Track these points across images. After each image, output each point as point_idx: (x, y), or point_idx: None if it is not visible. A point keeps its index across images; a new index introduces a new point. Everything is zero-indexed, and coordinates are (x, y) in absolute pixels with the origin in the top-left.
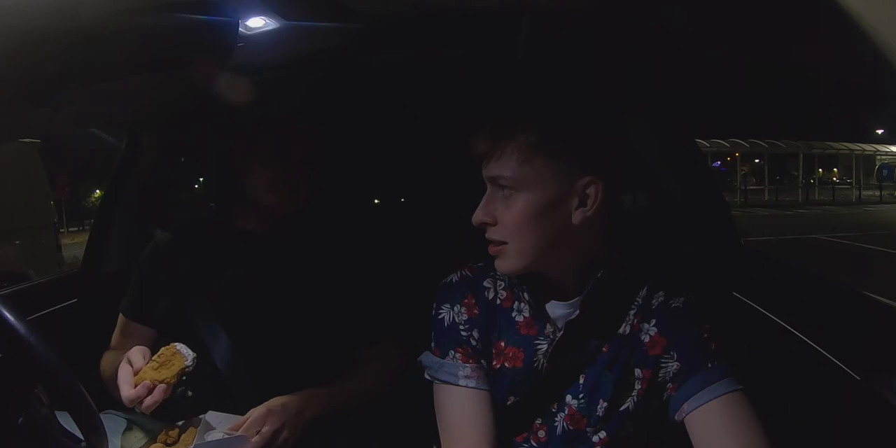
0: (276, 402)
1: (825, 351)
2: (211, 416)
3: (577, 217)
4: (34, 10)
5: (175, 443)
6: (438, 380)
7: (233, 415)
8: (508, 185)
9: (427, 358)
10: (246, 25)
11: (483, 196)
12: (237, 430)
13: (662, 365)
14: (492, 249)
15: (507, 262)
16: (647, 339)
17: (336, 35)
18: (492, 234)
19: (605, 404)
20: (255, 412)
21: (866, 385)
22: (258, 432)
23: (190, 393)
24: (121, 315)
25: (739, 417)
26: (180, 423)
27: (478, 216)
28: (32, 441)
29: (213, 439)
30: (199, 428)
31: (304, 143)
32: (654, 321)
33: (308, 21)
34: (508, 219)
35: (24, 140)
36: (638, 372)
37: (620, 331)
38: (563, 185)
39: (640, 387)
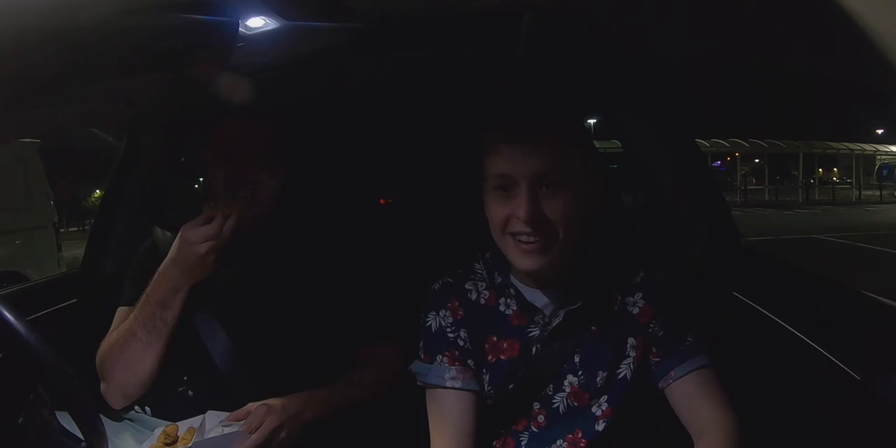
0: (276, 401)
1: (825, 351)
2: (210, 416)
3: (594, 211)
4: (34, 10)
5: (174, 442)
6: (428, 384)
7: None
8: (555, 183)
9: (417, 365)
10: (246, 25)
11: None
12: (235, 421)
13: (650, 331)
14: (531, 247)
15: (545, 258)
16: (636, 310)
17: (336, 35)
18: (538, 230)
19: (605, 374)
20: (256, 408)
21: (866, 385)
22: (257, 429)
23: (191, 393)
24: (119, 309)
25: (719, 388)
26: (180, 422)
27: (531, 214)
28: (32, 441)
29: (212, 436)
30: (199, 427)
31: (242, 138)
32: (639, 295)
33: (308, 21)
34: (558, 213)
35: (24, 140)
36: (631, 340)
37: (608, 309)
38: (592, 178)
39: (634, 354)
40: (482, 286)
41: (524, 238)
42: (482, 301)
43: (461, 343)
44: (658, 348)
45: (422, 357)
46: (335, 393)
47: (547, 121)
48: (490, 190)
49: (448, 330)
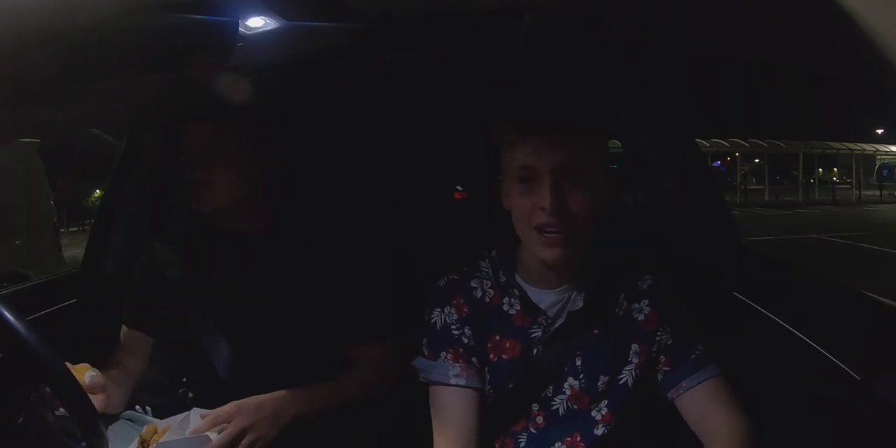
0: (250, 400)
1: (825, 351)
2: (195, 414)
3: (604, 207)
4: (34, 10)
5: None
6: (431, 381)
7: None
8: (577, 175)
9: (420, 362)
10: (246, 25)
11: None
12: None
13: (657, 339)
14: (554, 239)
15: (567, 249)
16: (641, 317)
17: (336, 35)
18: (562, 221)
19: (606, 379)
20: (225, 407)
21: (866, 385)
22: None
23: (190, 395)
24: (122, 328)
25: (730, 397)
26: (161, 421)
27: (555, 205)
28: (32, 441)
29: (173, 439)
30: (175, 426)
31: (203, 140)
32: (645, 301)
33: (308, 21)
34: (580, 204)
35: (24, 140)
36: (635, 347)
37: (612, 313)
38: (603, 174)
39: (637, 360)
40: (487, 285)
41: (549, 229)
42: (487, 299)
43: (465, 341)
44: (667, 358)
45: (426, 354)
46: (322, 392)
47: (568, 115)
48: (512, 183)
49: (453, 327)
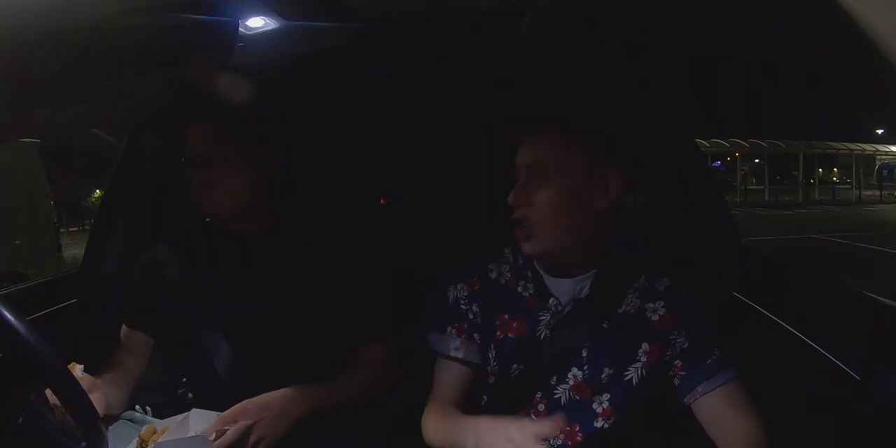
0: (257, 399)
1: (825, 351)
2: (194, 414)
3: (599, 204)
4: (34, 10)
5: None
6: (436, 352)
7: (215, 412)
8: (545, 171)
9: (431, 333)
10: (246, 25)
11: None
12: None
13: (671, 342)
14: (520, 233)
15: (533, 244)
16: (655, 317)
17: (336, 35)
18: (524, 215)
19: (610, 372)
20: (232, 409)
21: (866, 385)
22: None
23: (190, 395)
24: (122, 327)
25: (745, 401)
26: (160, 421)
27: (512, 198)
28: (32, 441)
29: (171, 439)
30: (174, 427)
31: (203, 140)
32: (661, 302)
33: (308, 21)
34: (543, 202)
35: (24, 140)
36: (645, 346)
37: (622, 310)
38: (591, 173)
39: (645, 360)
40: (505, 268)
41: (517, 219)
42: (502, 281)
43: (471, 316)
44: (683, 363)
45: (436, 326)
46: (323, 392)
47: (550, 118)
48: None
49: (462, 302)
